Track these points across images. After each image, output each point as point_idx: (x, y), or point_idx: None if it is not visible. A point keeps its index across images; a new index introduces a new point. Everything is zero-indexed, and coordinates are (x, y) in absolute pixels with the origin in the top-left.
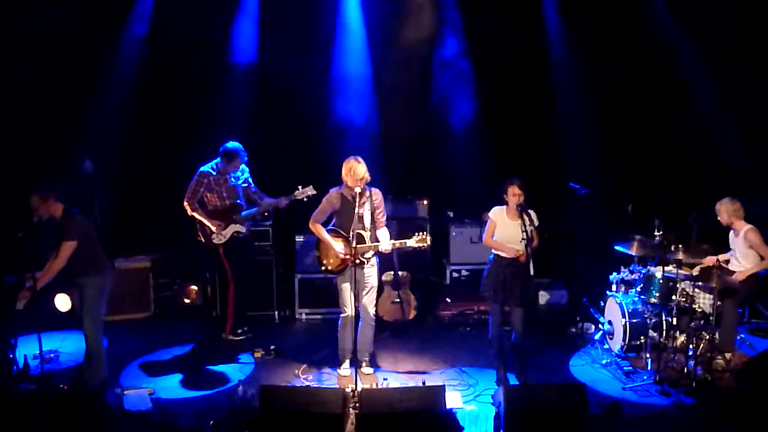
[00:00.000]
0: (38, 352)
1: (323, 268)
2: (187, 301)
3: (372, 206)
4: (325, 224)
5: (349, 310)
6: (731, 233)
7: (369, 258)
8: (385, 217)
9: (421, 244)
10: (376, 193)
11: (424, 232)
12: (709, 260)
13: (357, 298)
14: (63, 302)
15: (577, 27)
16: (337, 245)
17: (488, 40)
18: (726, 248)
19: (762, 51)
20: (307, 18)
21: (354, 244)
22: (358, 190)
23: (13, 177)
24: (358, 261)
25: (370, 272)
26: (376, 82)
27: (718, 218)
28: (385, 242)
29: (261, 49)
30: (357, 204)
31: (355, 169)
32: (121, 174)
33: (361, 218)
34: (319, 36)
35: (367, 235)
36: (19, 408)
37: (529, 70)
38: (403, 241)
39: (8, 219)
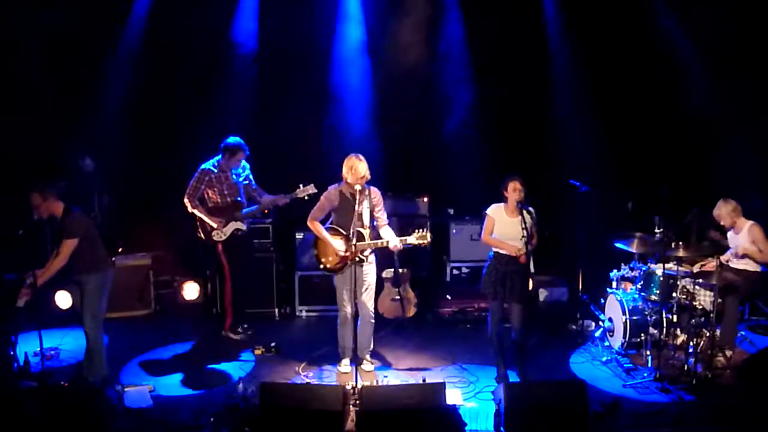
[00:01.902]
0: (39, 349)
1: (322, 266)
2: (187, 298)
3: (371, 204)
4: (322, 222)
5: (347, 308)
6: (731, 232)
7: (367, 256)
8: (385, 215)
9: (421, 241)
10: (375, 192)
11: (425, 230)
12: (711, 266)
13: (356, 296)
14: (64, 299)
15: (577, 22)
16: (336, 243)
17: (487, 36)
18: (725, 246)
19: (762, 48)
20: (307, 15)
21: (354, 242)
22: (358, 187)
23: (13, 175)
24: (357, 259)
25: (369, 270)
26: (376, 78)
27: (721, 223)
28: (394, 239)
29: (261, 46)
30: (357, 202)
31: (356, 167)
32: (121, 172)
33: (360, 216)
34: (318, 33)
35: (366, 233)
36: (19, 405)
37: (529, 67)
38: (403, 238)
39: (9, 217)
